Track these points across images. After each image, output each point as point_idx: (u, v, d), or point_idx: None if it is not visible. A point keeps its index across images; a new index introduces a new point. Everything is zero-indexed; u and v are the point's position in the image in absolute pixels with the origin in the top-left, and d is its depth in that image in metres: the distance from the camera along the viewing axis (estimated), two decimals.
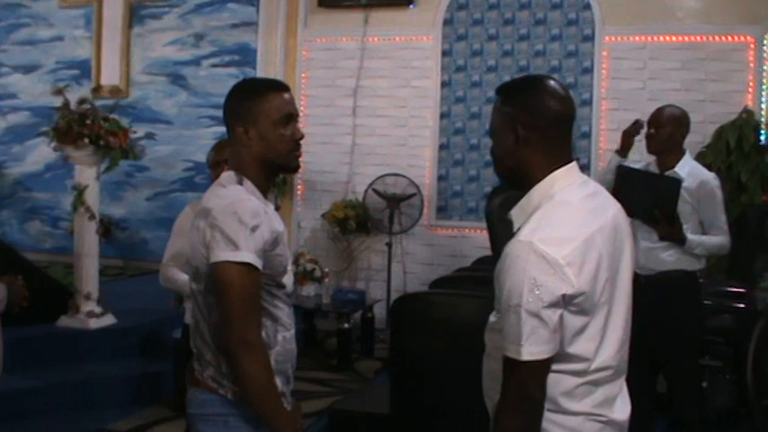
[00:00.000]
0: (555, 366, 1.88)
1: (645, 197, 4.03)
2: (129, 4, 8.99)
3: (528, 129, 1.98)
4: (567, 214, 1.92)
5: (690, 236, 4.05)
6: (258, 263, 2.17)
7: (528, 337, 1.82)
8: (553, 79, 2.08)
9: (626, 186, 4.03)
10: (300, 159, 2.41)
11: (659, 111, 4.28)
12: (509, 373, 1.88)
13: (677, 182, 4.06)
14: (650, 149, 4.26)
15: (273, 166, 2.35)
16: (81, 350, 5.64)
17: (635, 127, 4.50)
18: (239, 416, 2.24)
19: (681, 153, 4.22)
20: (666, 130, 4.18)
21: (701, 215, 4.14)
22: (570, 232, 1.88)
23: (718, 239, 4.13)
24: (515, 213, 2.03)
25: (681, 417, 4.22)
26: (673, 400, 4.25)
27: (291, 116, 2.33)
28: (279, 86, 2.37)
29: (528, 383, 1.86)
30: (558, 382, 1.91)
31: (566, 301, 1.84)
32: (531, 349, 1.82)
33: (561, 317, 1.84)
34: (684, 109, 4.31)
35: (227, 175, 2.31)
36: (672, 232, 4.03)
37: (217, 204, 2.21)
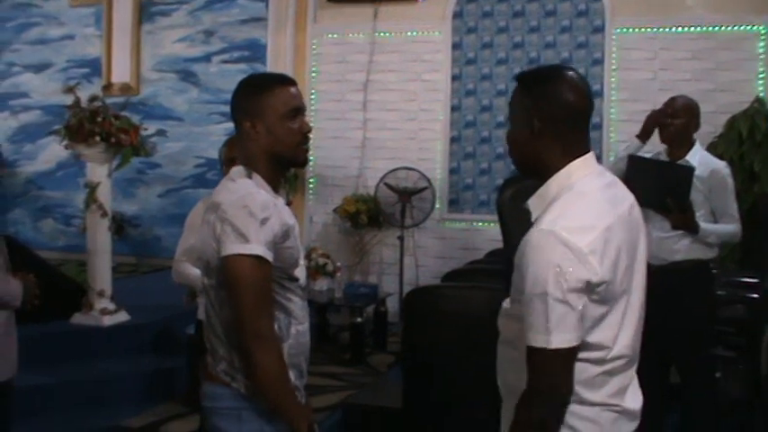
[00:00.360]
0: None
1: (657, 186, 4.01)
2: (138, 2, 9.02)
3: (546, 120, 1.98)
4: (586, 204, 1.93)
5: (703, 224, 4.04)
6: (269, 255, 2.16)
7: (557, 324, 1.80)
8: (572, 70, 2.07)
9: (638, 175, 4.01)
10: (311, 154, 2.41)
11: (673, 100, 4.26)
12: (538, 363, 1.85)
13: (690, 169, 4.04)
14: (663, 139, 4.25)
15: (282, 160, 2.35)
16: (94, 347, 5.67)
17: (660, 113, 4.33)
18: (252, 409, 2.24)
19: (692, 143, 4.21)
20: (681, 120, 4.17)
21: (712, 204, 4.13)
22: (591, 221, 1.88)
23: (731, 227, 4.13)
24: (533, 203, 2.04)
25: (694, 407, 4.21)
26: (685, 390, 4.23)
27: (299, 110, 2.33)
28: (285, 80, 2.37)
29: (558, 373, 1.85)
30: (578, 372, 1.89)
31: (589, 289, 1.83)
32: (561, 336, 1.81)
33: (585, 304, 1.84)
34: (695, 99, 4.29)
35: (237, 170, 2.32)
36: (685, 220, 4.02)
37: (226, 198, 2.21)
